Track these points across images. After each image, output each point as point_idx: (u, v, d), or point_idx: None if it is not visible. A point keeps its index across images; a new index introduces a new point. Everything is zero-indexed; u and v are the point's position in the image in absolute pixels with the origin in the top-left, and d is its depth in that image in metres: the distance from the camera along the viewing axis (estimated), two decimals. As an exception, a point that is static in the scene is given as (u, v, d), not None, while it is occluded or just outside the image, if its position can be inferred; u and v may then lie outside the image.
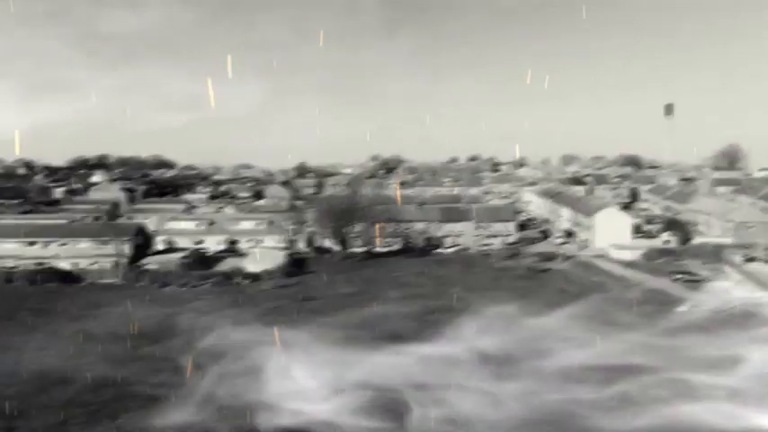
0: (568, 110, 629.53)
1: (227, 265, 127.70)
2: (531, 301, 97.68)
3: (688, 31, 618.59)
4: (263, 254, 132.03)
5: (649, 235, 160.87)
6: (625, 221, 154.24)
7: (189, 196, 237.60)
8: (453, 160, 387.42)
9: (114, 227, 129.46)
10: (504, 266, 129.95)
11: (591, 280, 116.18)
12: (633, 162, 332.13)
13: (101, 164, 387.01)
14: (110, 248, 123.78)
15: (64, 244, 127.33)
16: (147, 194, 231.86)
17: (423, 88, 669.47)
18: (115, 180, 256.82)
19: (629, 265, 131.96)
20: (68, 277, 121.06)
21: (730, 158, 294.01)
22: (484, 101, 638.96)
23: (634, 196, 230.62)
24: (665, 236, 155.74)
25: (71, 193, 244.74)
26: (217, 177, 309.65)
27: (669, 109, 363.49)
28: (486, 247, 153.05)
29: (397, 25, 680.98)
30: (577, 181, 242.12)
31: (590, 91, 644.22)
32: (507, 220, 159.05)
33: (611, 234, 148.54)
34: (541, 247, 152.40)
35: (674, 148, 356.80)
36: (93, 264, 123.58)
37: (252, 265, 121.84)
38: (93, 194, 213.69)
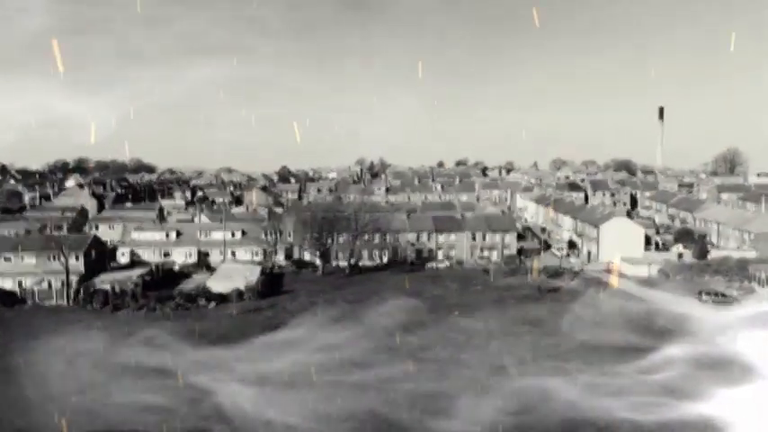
0: (555, 114, 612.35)
1: (193, 282, 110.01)
2: (547, 336, 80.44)
3: (678, 32, 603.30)
4: (233, 270, 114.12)
5: (660, 247, 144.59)
6: (636, 232, 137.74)
7: (165, 202, 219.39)
8: (440, 164, 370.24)
9: (64, 239, 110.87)
10: (506, 284, 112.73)
11: (608, 303, 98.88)
12: (625, 167, 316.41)
13: (79, 167, 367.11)
14: (58, 265, 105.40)
15: (8, 259, 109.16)
16: (120, 200, 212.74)
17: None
18: (87, 185, 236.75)
19: (645, 282, 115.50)
20: (10, 298, 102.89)
21: (730, 163, 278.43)
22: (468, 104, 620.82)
23: (633, 203, 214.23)
24: (678, 248, 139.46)
25: (44, 198, 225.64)
26: (196, 182, 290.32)
27: (659, 113, 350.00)
28: (483, 261, 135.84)
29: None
30: (574, 186, 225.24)
31: (577, 94, 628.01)
32: (505, 231, 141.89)
33: (620, 246, 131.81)
34: (542, 261, 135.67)
35: (666, 152, 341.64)
36: (39, 282, 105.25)
37: (219, 284, 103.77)
38: (60, 200, 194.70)
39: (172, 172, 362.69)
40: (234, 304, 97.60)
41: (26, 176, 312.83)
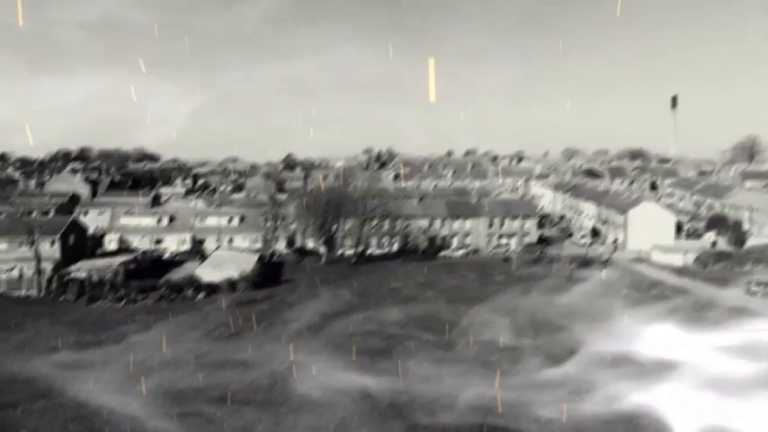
0: (564, 104, 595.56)
1: (183, 271, 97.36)
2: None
3: (691, 20, 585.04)
4: (226, 257, 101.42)
5: (691, 234, 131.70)
6: (666, 219, 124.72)
7: (165, 189, 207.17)
8: (449, 154, 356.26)
9: (36, 223, 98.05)
10: (531, 274, 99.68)
11: (648, 294, 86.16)
12: (639, 156, 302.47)
13: (82, 156, 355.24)
14: (30, 251, 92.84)
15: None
16: (116, 187, 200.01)
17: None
18: (81, 170, 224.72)
19: (681, 271, 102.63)
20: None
21: (749, 151, 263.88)
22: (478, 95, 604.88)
23: (654, 190, 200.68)
24: (711, 236, 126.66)
25: (41, 186, 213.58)
26: (198, 170, 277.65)
27: (673, 101, 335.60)
28: (501, 249, 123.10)
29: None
30: (592, 173, 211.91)
31: (586, 84, 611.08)
32: (525, 217, 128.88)
33: (650, 234, 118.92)
34: (565, 249, 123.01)
35: (679, 141, 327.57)
36: (9, 270, 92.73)
37: (209, 273, 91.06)
38: (52, 186, 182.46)
39: (176, 161, 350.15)
40: (224, 295, 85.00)
41: (25, 165, 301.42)
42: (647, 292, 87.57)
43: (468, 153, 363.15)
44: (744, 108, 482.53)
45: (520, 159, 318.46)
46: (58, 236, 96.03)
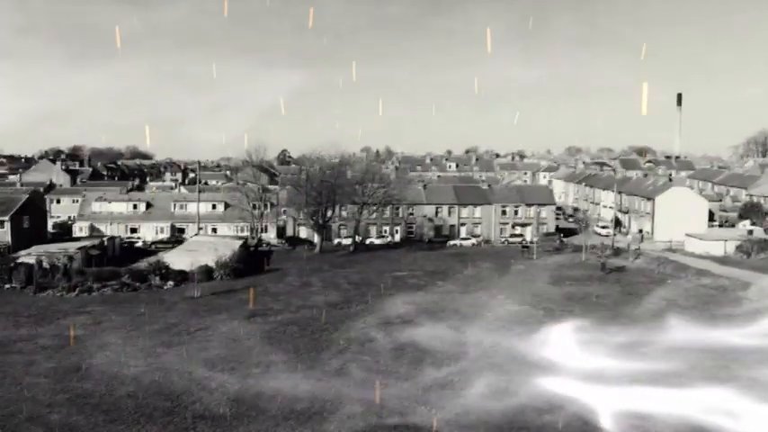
0: (563, 103, 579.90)
1: (155, 260, 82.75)
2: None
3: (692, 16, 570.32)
4: (203, 243, 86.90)
5: (724, 223, 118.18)
6: (699, 205, 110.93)
7: (153, 183, 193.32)
8: (449, 152, 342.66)
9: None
10: (555, 263, 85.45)
11: (697, 285, 72.06)
12: (646, 152, 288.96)
13: (73, 154, 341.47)
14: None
15: None
16: (99, 178, 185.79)
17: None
18: (61, 160, 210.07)
19: (724, 261, 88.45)
20: None
21: (762, 146, 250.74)
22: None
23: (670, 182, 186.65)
24: (745, 225, 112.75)
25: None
26: (190, 166, 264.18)
27: (678, 99, 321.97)
28: (515, 239, 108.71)
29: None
30: (603, 165, 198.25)
31: (587, 81, 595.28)
32: (542, 204, 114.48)
33: (679, 222, 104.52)
34: (587, 239, 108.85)
35: (684, 139, 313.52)
36: (-49, 256, 78.30)
37: (180, 260, 76.38)
38: (29, 176, 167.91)
39: (168, 159, 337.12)
40: (199, 284, 70.17)
41: (12, 161, 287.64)
42: (698, 280, 73.43)
43: (468, 151, 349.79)
44: (747, 106, 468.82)
45: (522, 157, 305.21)
46: (8, 217, 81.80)
